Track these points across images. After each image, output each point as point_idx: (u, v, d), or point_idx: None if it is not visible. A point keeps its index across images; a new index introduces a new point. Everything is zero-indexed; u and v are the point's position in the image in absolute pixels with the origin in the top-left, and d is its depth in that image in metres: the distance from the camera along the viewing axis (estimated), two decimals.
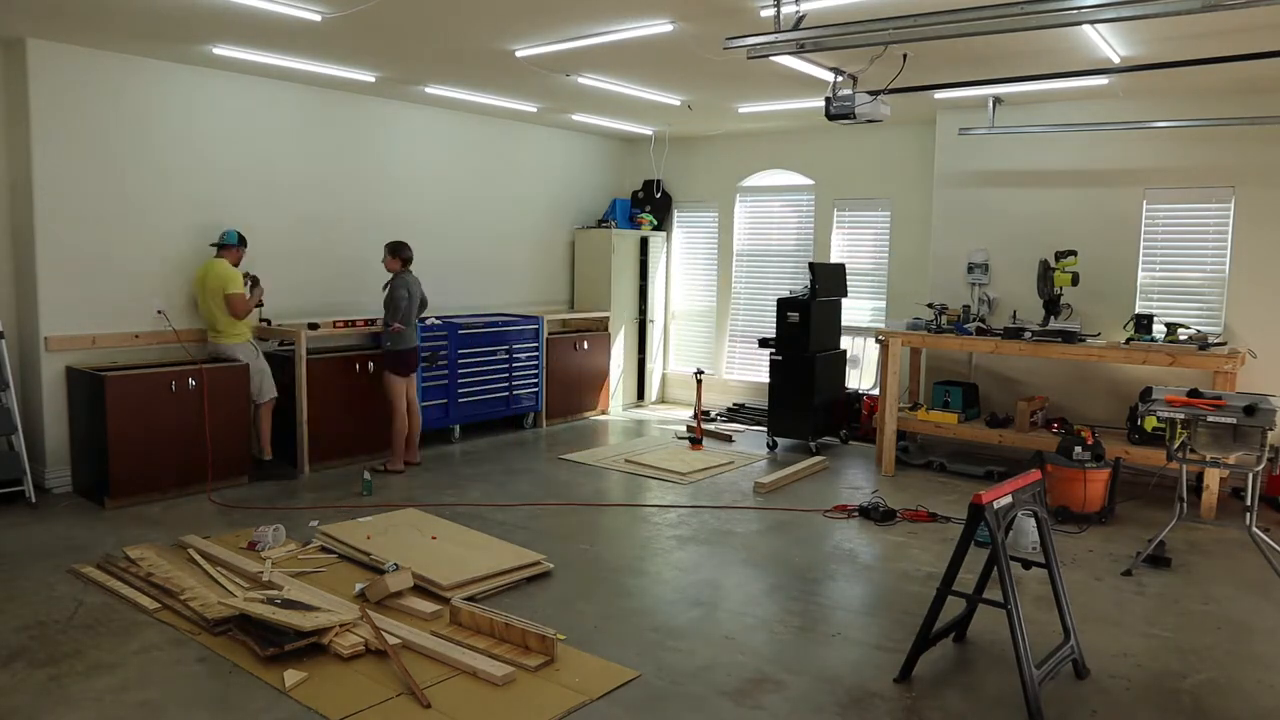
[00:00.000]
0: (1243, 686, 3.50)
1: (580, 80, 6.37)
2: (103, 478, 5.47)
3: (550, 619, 3.96)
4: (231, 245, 6.13)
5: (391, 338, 6.42)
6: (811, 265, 7.34)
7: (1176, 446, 4.74)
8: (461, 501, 5.79)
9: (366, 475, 6.02)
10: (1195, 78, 5.82)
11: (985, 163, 7.24)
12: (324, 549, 4.79)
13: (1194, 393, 4.78)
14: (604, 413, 8.93)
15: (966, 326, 6.62)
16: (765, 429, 7.70)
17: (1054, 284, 6.34)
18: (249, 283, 6.19)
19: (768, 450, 7.45)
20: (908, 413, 6.91)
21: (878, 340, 7.00)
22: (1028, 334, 6.27)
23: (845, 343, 7.90)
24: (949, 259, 7.43)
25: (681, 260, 9.61)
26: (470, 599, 4.04)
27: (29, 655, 3.55)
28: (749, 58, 4.51)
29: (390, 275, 6.48)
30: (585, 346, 8.59)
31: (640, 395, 9.49)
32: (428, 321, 7.27)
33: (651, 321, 9.45)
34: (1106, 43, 5.05)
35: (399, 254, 6.48)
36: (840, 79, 5.66)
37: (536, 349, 8.07)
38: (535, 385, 8.11)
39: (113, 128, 5.84)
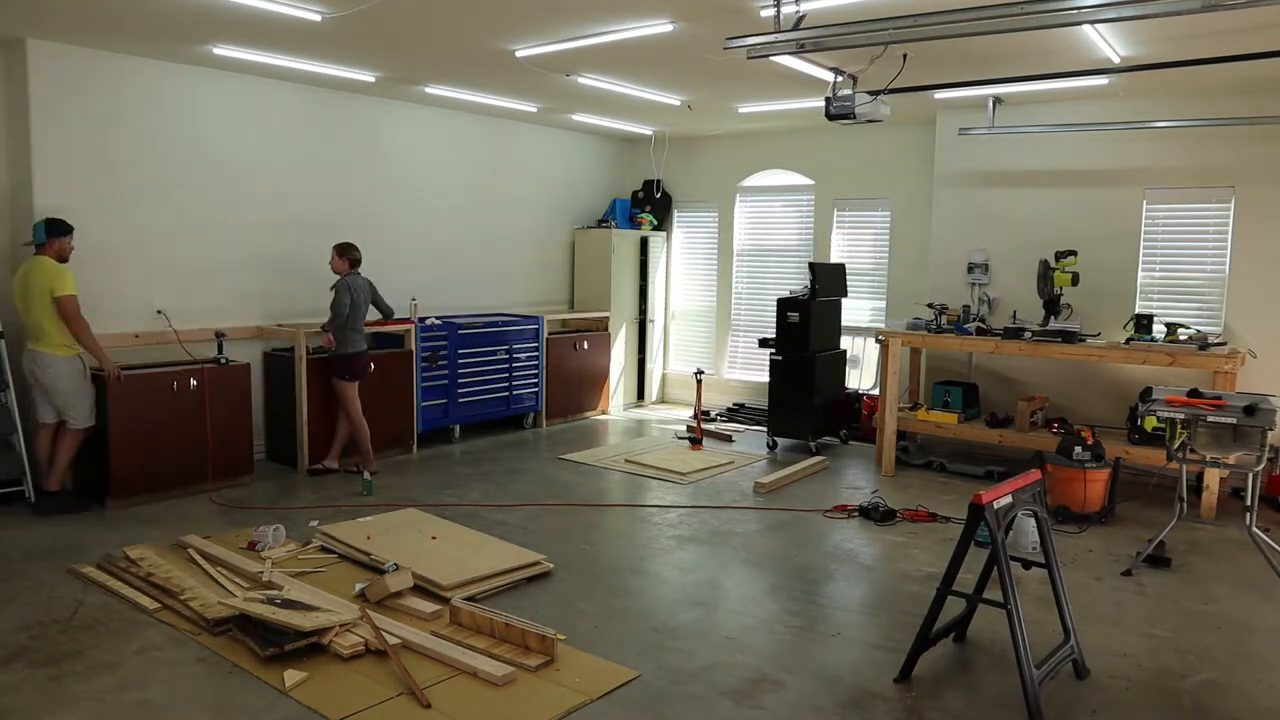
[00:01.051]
0: (1243, 686, 3.50)
1: (580, 80, 6.37)
2: (103, 477, 5.47)
3: (550, 619, 3.96)
4: (46, 240, 5.23)
5: (337, 341, 6.17)
6: (811, 265, 7.34)
7: (1176, 446, 4.74)
8: (461, 501, 5.79)
9: (366, 475, 6.03)
10: (1195, 78, 5.82)
11: (985, 163, 7.24)
12: (324, 549, 4.79)
13: (1194, 393, 4.78)
14: (604, 413, 8.93)
15: (966, 326, 6.62)
16: (765, 429, 7.70)
17: (1054, 284, 6.34)
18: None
19: (768, 450, 7.45)
20: (908, 413, 6.91)
21: (878, 340, 7.00)
22: (1028, 334, 6.27)
23: (845, 343, 7.90)
24: (949, 259, 7.43)
25: (681, 260, 9.61)
26: (470, 599, 4.04)
27: (29, 655, 3.55)
28: (749, 58, 4.51)
29: (337, 276, 6.21)
30: (585, 346, 8.59)
31: (640, 395, 9.49)
32: (427, 321, 7.27)
33: (651, 321, 9.44)
34: (1106, 43, 5.05)
35: (346, 254, 6.17)
36: (840, 79, 5.66)
37: (536, 349, 8.07)
38: (535, 385, 8.11)
39: (113, 128, 5.84)
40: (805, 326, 7.26)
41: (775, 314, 7.43)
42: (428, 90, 6.95)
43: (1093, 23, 3.77)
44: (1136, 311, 6.54)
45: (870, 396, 7.99)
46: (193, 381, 5.76)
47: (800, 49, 4.31)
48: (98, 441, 5.48)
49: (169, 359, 6.01)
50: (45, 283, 5.19)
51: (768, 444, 7.53)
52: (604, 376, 8.85)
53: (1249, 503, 4.62)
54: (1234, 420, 4.48)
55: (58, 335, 5.28)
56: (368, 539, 4.74)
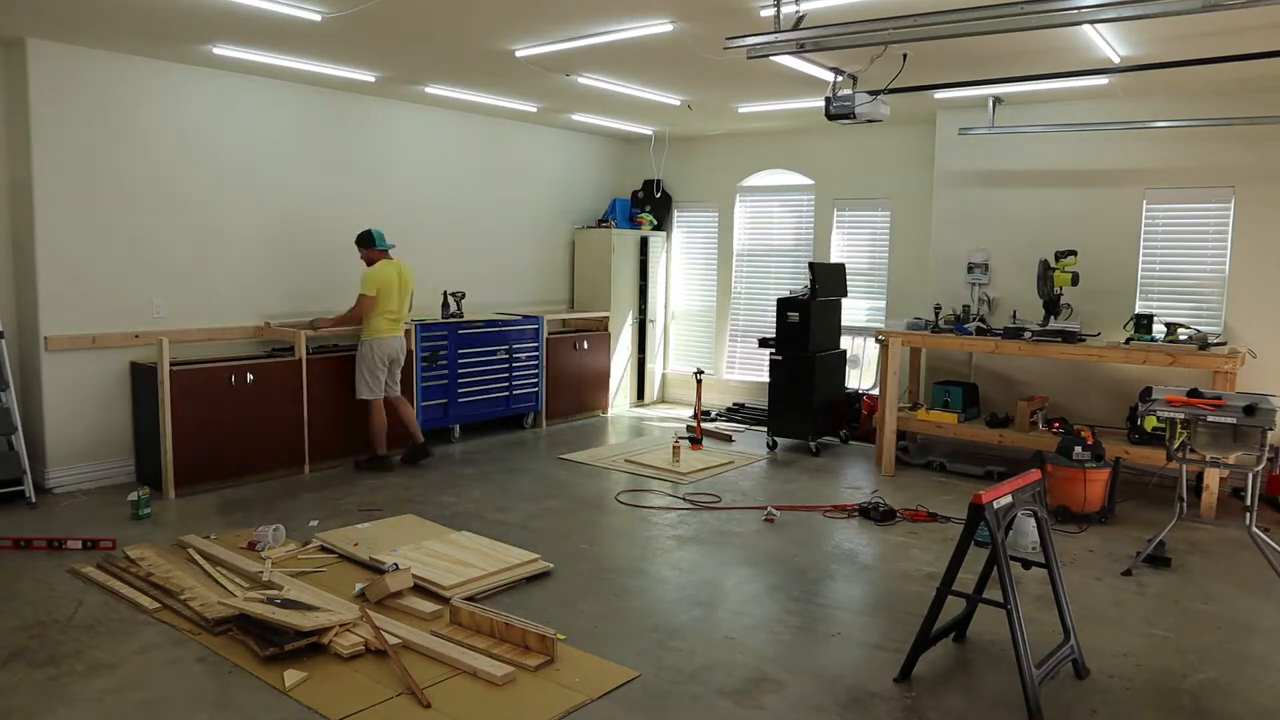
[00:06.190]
0: (1243, 686, 3.50)
1: (580, 80, 6.37)
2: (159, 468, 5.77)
3: (550, 619, 3.96)
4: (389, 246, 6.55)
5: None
6: (811, 265, 7.34)
7: (1176, 446, 4.74)
8: (461, 501, 5.79)
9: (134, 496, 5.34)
10: (1195, 77, 5.82)
11: (985, 163, 7.24)
12: (324, 549, 4.79)
13: (1194, 393, 4.78)
14: (604, 413, 8.93)
15: (966, 326, 6.62)
16: (765, 429, 7.70)
17: (1054, 284, 6.34)
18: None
19: (768, 450, 7.45)
20: (908, 413, 6.91)
21: (878, 340, 7.00)
22: (1028, 334, 6.27)
23: (845, 343, 7.90)
24: (949, 259, 7.43)
25: (681, 260, 9.61)
26: (470, 599, 4.04)
27: (29, 655, 3.56)
28: (749, 58, 4.51)
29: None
30: (585, 346, 8.59)
31: (640, 395, 9.49)
32: (426, 321, 7.27)
33: (651, 321, 9.44)
34: (1106, 43, 5.05)
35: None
36: (840, 79, 5.66)
37: (536, 349, 8.07)
38: (535, 385, 8.11)
39: (113, 127, 5.84)
40: (805, 326, 7.26)
41: (775, 314, 7.43)
42: (428, 90, 6.95)
43: (1093, 23, 3.77)
44: (1136, 311, 6.54)
45: (870, 396, 7.99)
46: (249, 376, 6.01)
47: (800, 49, 4.31)
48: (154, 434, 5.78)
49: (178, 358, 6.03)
50: (411, 280, 6.58)
51: (768, 444, 7.53)
52: (604, 376, 8.85)
53: (1249, 503, 4.63)
54: (1234, 420, 4.48)
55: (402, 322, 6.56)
56: (355, 546, 4.72)
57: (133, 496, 5.30)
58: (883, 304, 8.18)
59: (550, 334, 8.23)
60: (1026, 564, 3.83)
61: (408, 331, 6.97)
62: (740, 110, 7.57)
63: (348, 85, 6.80)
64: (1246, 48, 4.93)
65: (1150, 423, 5.80)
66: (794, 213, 8.80)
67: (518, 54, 5.64)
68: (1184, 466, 4.82)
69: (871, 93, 5.26)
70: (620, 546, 5.00)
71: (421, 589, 4.20)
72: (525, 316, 8.09)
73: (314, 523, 5.24)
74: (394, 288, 6.43)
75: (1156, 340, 6.04)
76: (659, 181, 9.44)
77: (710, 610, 4.14)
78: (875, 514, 5.56)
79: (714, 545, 5.05)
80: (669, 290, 9.65)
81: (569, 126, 8.79)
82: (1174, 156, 6.51)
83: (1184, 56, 5.11)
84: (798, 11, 4.37)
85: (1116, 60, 5.40)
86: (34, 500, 5.50)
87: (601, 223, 9.15)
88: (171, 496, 5.71)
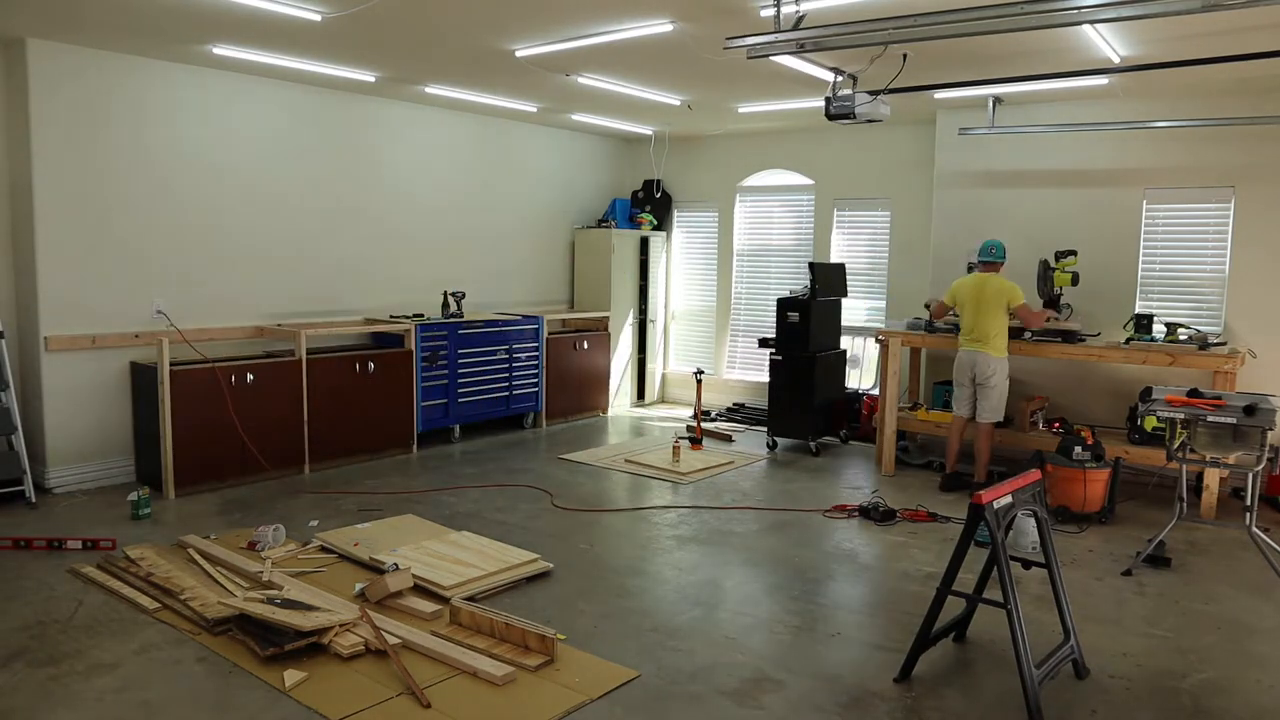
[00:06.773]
0: (1243, 686, 3.50)
1: (580, 80, 6.37)
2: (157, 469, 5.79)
3: (550, 619, 3.96)
4: (1003, 260, 6.19)
5: None
6: (811, 265, 7.34)
7: (1176, 446, 4.74)
8: (461, 501, 5.79)
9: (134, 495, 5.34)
10: (1195, 78, 5.82)
11: (985, 163, 7.23)
12: (324, 549, 4.79)
13: (1194, 393, 4.78)
14: (604, 413, 8.93)
15: None
16: (765, 429, 7.70)
17: (1054, 284, 6.34)
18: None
19: (768, 450, 7.45)
20: (908, 413, 6.91)
21: (878, 340, 7.00)
22: (1028, 334, 6.27)
23: (845, 343, 7.90)
24: (949, 259, 7.42)
25: (681, 260, 9.61)
26: (470, 599, 4.04)
27: (29, 655, 3.55)
28: (749, 58, 4.51)
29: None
30: (585, 346, 8.59)
31: (640, 395, 9.49)
32: (426, 321, 7.27)
33: (651, 321, 9.44)
34: (1106, 43, 5.05)
35: None
36: (840, 79, 5.66)
37: (536, 349, 8.07)
38: (535, 385, 8.11)
39: (113, 127, 5.84)
40: (805, 326, 7.26)
41: (775, 314, 7.43)
42: (428, 90, 6.94)
43: (1093, 23, 3.78)
44: (1136, 311, 6.54)
45: (870, 396, 7.99)
46: (249, 376, 6.06)
47: (800, 49, 4.31)
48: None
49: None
50: (1003, 294, 6.01)
51: (768, 444, 7.53)
52: (604, 376, 8.85)
53: (1249, 503, 4.63)
54: (1234, 420, 4.48)
55: (1000, 340, 6.08)
56: (355, 546, 4.72)
57: (133, 496, 5.30)
58: (883, 304, 8.19)
59: (550, 334, 8.23)
60: (1026, 564, 3.83)
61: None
62: (740, 110, 7.57)
63: (347, 85, 6.80)
64: (1246, 48, 4.93)
65: (1150, 423, 5.80)
66: (794, 213, 8.80)
67: (518, 54, 5.64)
68: (1184, 466, 4.82)
69: (871, 93, 5.26)
70: (620, 546, 5.00)
71: (421, 589, 4.20)
72: (525, 316, 8.09)
73: (314, 523, 5.24)
74: (963, 298, 6.18)
75: (1156, 340, 6.04)
76: (659, 181, 9.44)
77: (710, 610, 4.14)
78: (875, 514, 5.56)
79: (714, 545, 5.05)
80: (669, 290, 9.65)
81: (569, 126, 8.79)
82: (1174, 156, 6.50)
83: (1184, 56, 5.11)
84: (798, 11, 4.37)
85: (1116, 60, 5.40)
86: (34, 500, 5.50)
87: (601, 223, 9.15)
88: (171, 496, 5.71)
